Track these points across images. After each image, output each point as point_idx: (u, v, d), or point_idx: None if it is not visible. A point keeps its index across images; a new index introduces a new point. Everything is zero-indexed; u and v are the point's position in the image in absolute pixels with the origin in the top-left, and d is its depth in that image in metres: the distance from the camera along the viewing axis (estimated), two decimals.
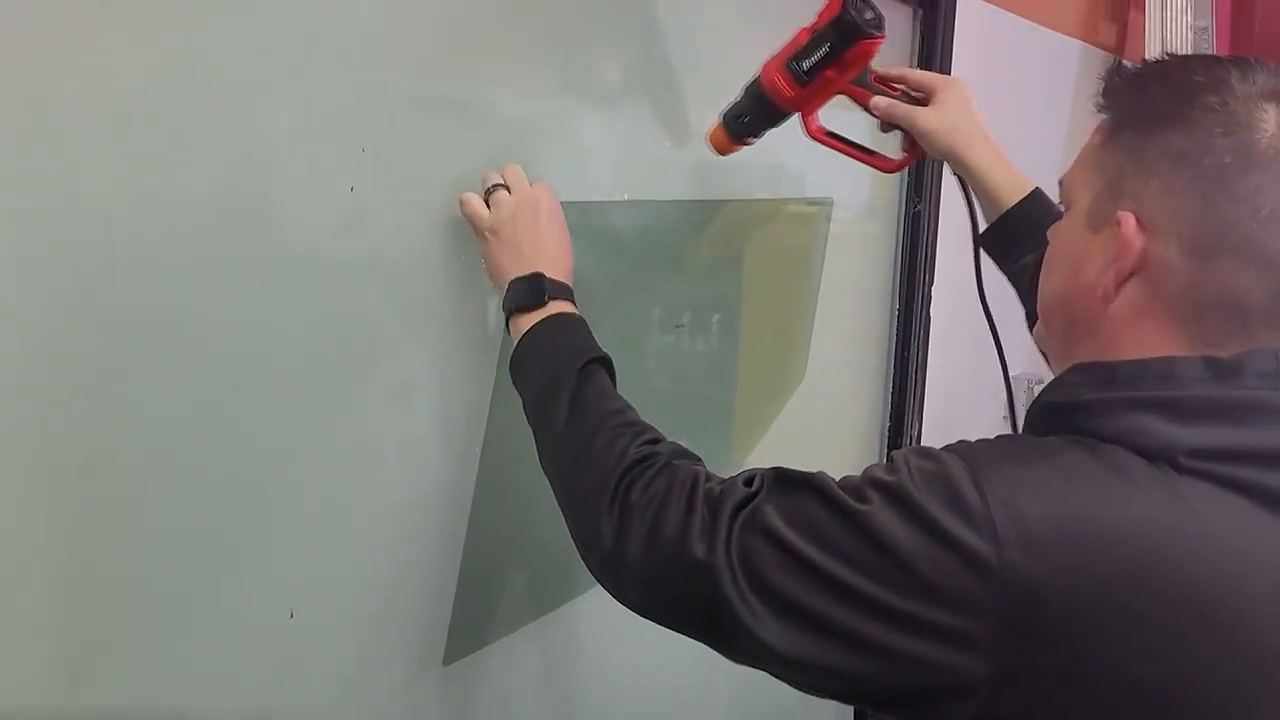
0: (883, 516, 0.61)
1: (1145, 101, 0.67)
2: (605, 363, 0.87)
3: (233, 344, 0.81)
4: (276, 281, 0.83)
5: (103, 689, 0.77)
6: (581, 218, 1.10)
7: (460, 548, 1.03)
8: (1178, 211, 0.63)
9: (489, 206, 0.93)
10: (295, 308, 0.85)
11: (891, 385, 1.72)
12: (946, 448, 0.66)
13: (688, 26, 1.18)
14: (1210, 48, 2.24)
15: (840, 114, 1.06)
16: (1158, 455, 0.61)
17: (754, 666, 0.67)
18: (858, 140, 1.09)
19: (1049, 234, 0.76)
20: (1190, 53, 0.78)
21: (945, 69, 1.63)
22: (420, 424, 0.98)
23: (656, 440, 0.80)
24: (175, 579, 0.80)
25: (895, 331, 1.71)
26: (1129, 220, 0.64)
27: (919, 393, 1.72)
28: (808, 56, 0.98)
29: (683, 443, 0.82)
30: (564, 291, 0.91)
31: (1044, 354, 0.80)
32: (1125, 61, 0.70)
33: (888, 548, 0.60)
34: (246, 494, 0.84)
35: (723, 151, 1.10)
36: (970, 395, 1.90)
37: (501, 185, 0.94)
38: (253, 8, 0.78)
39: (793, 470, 0.68)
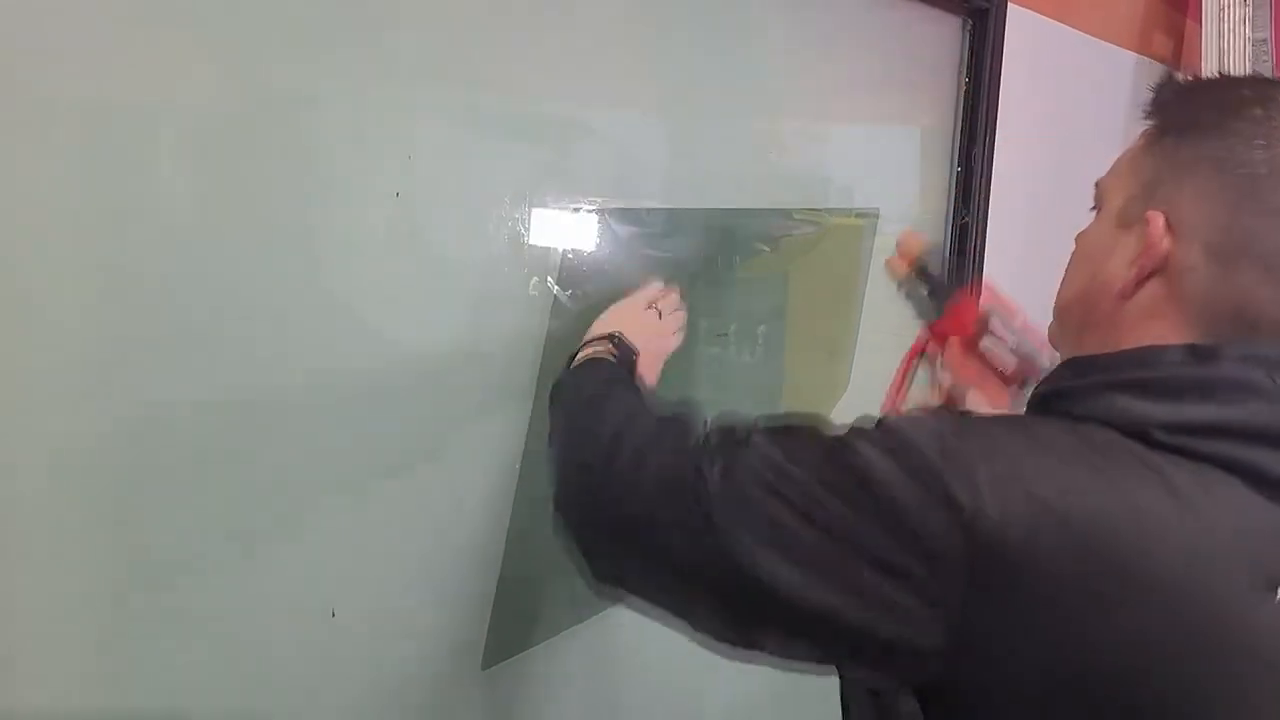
0: (870, 451, 0.62)
1: (1190, 111, 0.67)
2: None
3: (280, 347, 0.82)
4: (323, 287, 0.84)
5: (145, 686, 0.78)
6: (628, 223, 1.11)
7: (500, 553, 1.04)
8: (1207, 216, 0.63)
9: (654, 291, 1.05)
10: (340, 313, 0.86)
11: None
12: (932, 412, 0.68)
13: (742, 38, 1.18)
14: (1269, 60, 2.18)
15: None
16: (1131, 431, 0.61)
17: (721, 613, 0.67)
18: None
19: (1075, 239, 0.76)
20: (1248, 70, 0.79)
21: (995, 81, 1.61)
22: (462, 432, 0.98)
23: None
24: (219, 575, 0.81)
25: None
26: (1158, 220, 0.65)
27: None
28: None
29: None
30: (630, 353, 0.96)
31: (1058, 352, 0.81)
32: (1177, 74, 0.70)
33: (871, 480, 0.61)
34: (291, 495, 0.85)
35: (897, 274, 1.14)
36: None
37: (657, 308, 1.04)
38: (302, 21, 0.80)
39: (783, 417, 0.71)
